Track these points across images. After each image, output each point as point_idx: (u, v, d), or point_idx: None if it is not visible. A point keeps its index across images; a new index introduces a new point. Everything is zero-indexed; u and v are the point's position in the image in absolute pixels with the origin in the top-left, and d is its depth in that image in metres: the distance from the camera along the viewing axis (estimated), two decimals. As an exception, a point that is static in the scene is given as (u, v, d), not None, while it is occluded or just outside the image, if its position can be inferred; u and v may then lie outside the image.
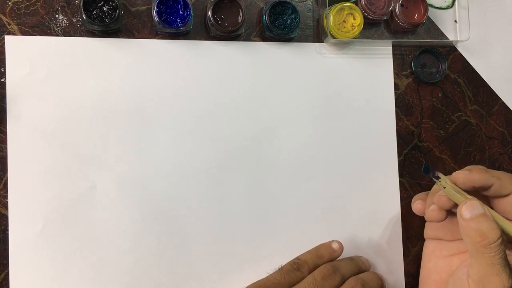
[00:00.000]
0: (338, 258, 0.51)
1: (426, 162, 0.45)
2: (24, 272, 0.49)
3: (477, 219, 0.36)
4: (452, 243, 0.49)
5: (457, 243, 0.48)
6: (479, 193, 0.44)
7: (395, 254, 0.58)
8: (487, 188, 0.41)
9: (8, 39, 0.50)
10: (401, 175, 0.58)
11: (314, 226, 0.56)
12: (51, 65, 0.50)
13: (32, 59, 0.50)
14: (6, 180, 0.49)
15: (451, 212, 0.45)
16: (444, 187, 0.42)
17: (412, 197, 0.56)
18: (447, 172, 0.61)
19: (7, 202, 0.49)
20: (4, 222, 0.49)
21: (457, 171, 0.41)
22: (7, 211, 0.49)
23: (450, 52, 0.61)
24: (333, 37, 0.55)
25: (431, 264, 0.50)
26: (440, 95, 0.61)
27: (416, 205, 0.49)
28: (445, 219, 0.45)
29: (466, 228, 0.37)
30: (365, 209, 0.57)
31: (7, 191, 0.49)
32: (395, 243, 0.58)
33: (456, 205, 0.42)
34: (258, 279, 0.49)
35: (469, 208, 0.37)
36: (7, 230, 0.49)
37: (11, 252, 0.48)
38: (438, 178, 0.42)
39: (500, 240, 0.35)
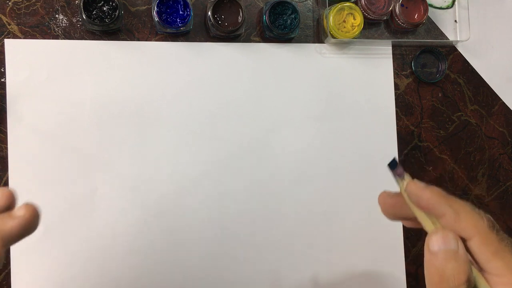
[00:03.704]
0: None
1: (395, 158, 0.37)
2: (24, 272, 0.49)
3: (444, 256, 0.29)
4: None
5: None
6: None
7: (396, 254, 0.58)
8: (437, 215, 0.32)
9: (8, 42, 0.49)
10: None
11: (315, 226, 0.56)
12: (51, 67, 0.50)
13: (32, 62, 0.50)
14: (7, 180, 0.49)
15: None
16: (405, 191, 0.34)
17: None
18: (448, 173, 0.61)
19: (7, 202, 0.49)
20: (4, 222, 0.49)
21: (415, 180, 0.33)
22: (7, 211, 0.49)
23: (450, 52, 0.61)
24: (333, 37, 0.55)
25: None
26: (440, 95, 0.61)
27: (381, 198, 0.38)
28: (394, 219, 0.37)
29: (428, 262, 0.30)
30: (365, 209, 0.57)
31: (7, 191, 0.49)
32: (395, 243, 0.58)
33: (409, 218, 0.35)
34: (259, 279, 0.49)
35: (439, 240, 0.30)
36: (7, 230, 0.49)
37: (12, 252, 0.48)
38: (403, 179, 0.35)
39: (463, 286, 0.29)
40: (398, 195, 0.34)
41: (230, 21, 0.52)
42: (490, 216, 0.31)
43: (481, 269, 0.30)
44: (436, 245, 0.29)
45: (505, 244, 0.30)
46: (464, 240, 0.30)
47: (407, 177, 0.34)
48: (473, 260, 0.30)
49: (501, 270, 0.29)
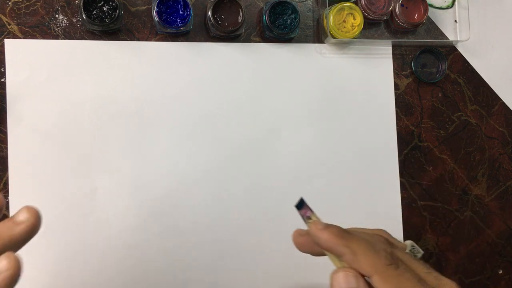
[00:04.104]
0: None
1: (302, 198, 0.37)
2: (24, 272, 0.49)
3: None
4: None
5: None
6: None
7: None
8: (337, 255, 0.33)
9: (8, 42, 0.49)
10: (401, 175, 0.58)
11: (314, 226, 0.56)
12: (51, 67, 0.50)
13: (32, 62, 0.50)
14: (7, 180, 0.49)
15: None
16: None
17: (412, 197, 0.56)
18: (448, 173, 0.61)
19: (8, 202, 0.49)
20: (4, 222, 0.49)
21: (317, 221, 0.34)
22: (8, 211, 0.49)
23: (450, 52, 0.61)
24: (333, 37, 0.55)
25: None
26: (440, 95, 0.61)
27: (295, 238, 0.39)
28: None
29: None
30: (365, 209, 0.57)
31: (7, 191, 0.49)
32: (395, 243, 0.58)
33: (321, 254, 0.36)
34: (258, 279, 0.49)
35: (341, 279, 0.31)
36: (7, 230, 0.49)
37: (11, 252, 0.48)
38: (309, 218, 0.35)
39: None
40: (308, 233, 0.36)
41: (230, 21, 0.52)
42: (393, 250, 0.32)
43: None
44: (337, 283, 0.30)
45: (406, 278, 0.30)
46: (367, 277, 0.31)
47: (313, 217, 0.35)
48: None
49: None
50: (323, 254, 0.35)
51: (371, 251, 0.32)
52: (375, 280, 0.30)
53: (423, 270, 0.31)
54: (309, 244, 0.36)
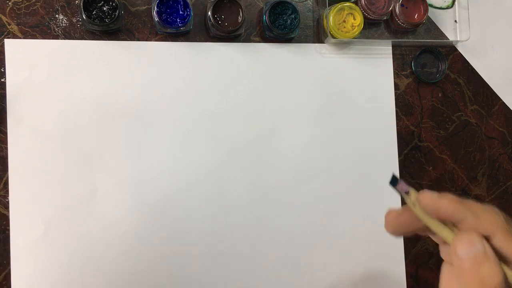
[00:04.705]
0: None
1: (394, 174, 0.36)
2: (24, 272, 0.49)
3: (476, 262, 0.29)
4: None
5: None
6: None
7: (396, 254, 0.58)
8: (457, 221, 0.32)
9: (8, 42, 0.49)
10: (401, 175, 0.58)
11: (315, 226, 0.56)
12: (51, 67, 0.50)
13: (32, 62, 0.50)
14: (7, 180, 0.49)
15: None
16: (415, 205, 0.34)
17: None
18: (448, 173, 0.61)
19: (8, 202, 0.49)
20: (4, 222, 0.49)
21: (425, 191, 0.33)
22: (8, 211, 0.49)
23: (450, 52, 0.61)
24: (333, 37, 0.55)
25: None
26: (440, 95, 0.61)
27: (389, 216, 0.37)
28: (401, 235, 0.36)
29: (463, 270, 0.30)
30: (365, 209, 0.57)
31: (7, 191, 0.49)
32: (395, 243, 0.58)
33: (421, 228, 0.35)
34: (258, 279, 0.49)
35: (467, 244, 0.30)
36: (8, 230, 0.49)
37: (12, 252, 0.48)
38: (407, 193, 0.34)
39: (501, 285, 0.29)
40: (406, 210, 0.34)
41: (230, 21, 0.52)
42: (497, 209, 0.31)
43: (508, 264, 0.31)
44: (465, 250, 0.30)
45: None
46: (487, 239, 0.30)
47: (412, 190, 0.34)
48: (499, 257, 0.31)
49: None
50: (414, 231, 0.35)
51: (491, 212, 0.31)
52: (499, 239, 0.30)
53: None
54: (410, 222, 0.34)
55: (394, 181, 0.34)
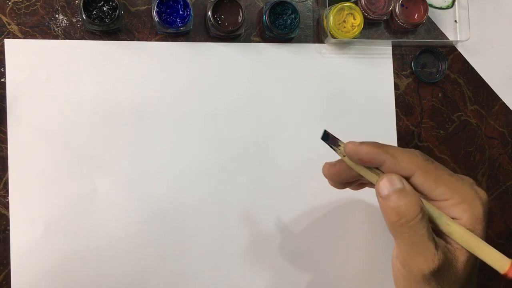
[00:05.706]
0: None
1: (325, 130, 0.39)
2: (24, 272, 0.49)
3: (395, 196, 0.32)
4: None
5: None
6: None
7: (395, 254, 0.58)
8: (379, 164, 0.35)
9: (8, 42, 0.49)
10: (401, 175, 0.59)
11: (315, 226, 0.56)
12: (51, 67, 0.50)
13: (32, 62, 0.50)
14: (7, 180, 0.49)
15: None
16: (344, 156, 0.37)
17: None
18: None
19: (8, 202, 0.49)
20: (4, 222, 0.49)
21: (349, 141, 0.36)
22: (8, 211, 0.49)
23: (450, 52, 0.61)
24: (333, 37, 0.55)
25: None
26: (440, 95, 0.61)
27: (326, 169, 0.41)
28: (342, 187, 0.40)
29: (383, 206, 0.33)
30: (365, 209, 0.57)
31: (7, 191, 0.49)
32: (395, 243, 0.58)
33: (353, 181, 0.39)
34: (259, 279, 0.49)
35: (386, 184, 0.32)
36: (8, 230, 0.49)
37: (12, 252, 0.48)
38: (338, 146, 0.37)
39: (419, 217, 0.31)
40: (340, 162, 0.37)
41: (230, 21, 0.52)
42: (419, 151, 0.34)
43: (428, 199, 0.34)
44: (385, 189, 0.32)
45: (442, 170, 0.34)
46: (407, 178, 0.33)
47: (341, 143, 0.37)
48: (420, 194, 0.33)
49: (447, 194, 0.33)
50: (352, 182, 0.39)
51: (409, 152, 0.34)
52: (417, 177, 0.33)
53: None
54: (342, 171, 0.37)
55: (325, 137, 0.38)
